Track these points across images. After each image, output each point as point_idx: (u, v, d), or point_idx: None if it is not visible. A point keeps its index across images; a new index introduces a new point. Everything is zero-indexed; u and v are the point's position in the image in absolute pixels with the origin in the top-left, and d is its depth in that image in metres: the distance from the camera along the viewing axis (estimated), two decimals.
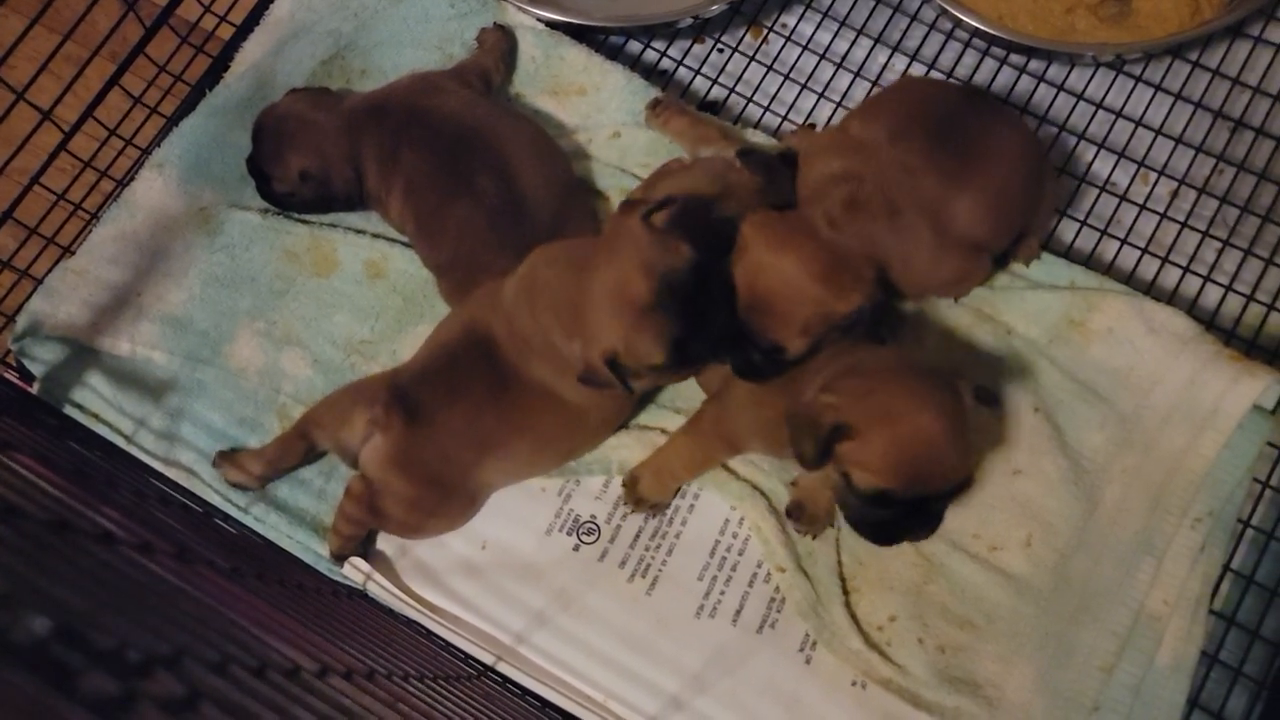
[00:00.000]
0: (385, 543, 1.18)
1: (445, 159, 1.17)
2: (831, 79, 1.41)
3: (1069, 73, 1.36)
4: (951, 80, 1.38)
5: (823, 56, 1.42)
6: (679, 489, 1.17)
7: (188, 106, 1.35)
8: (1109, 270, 1.27)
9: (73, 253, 1.30)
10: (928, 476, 0.93)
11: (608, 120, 1.33)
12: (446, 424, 1.07)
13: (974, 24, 1.31)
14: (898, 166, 1.09)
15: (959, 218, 1.09)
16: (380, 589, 1.14)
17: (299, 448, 1.16)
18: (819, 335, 1.00)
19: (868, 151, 1.11)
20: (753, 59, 1.44)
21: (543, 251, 1.09)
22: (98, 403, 1.22)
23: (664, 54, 1.44)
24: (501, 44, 1.32)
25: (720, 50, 1.44)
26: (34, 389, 1.23)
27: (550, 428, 1.12)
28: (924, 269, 1.12)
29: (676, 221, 0.97)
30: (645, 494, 1.15)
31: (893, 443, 0.92)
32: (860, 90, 1.40)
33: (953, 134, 1.10)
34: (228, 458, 1.17)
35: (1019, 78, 1.36)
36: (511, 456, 1.13)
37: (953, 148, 1.09)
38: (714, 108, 1.41)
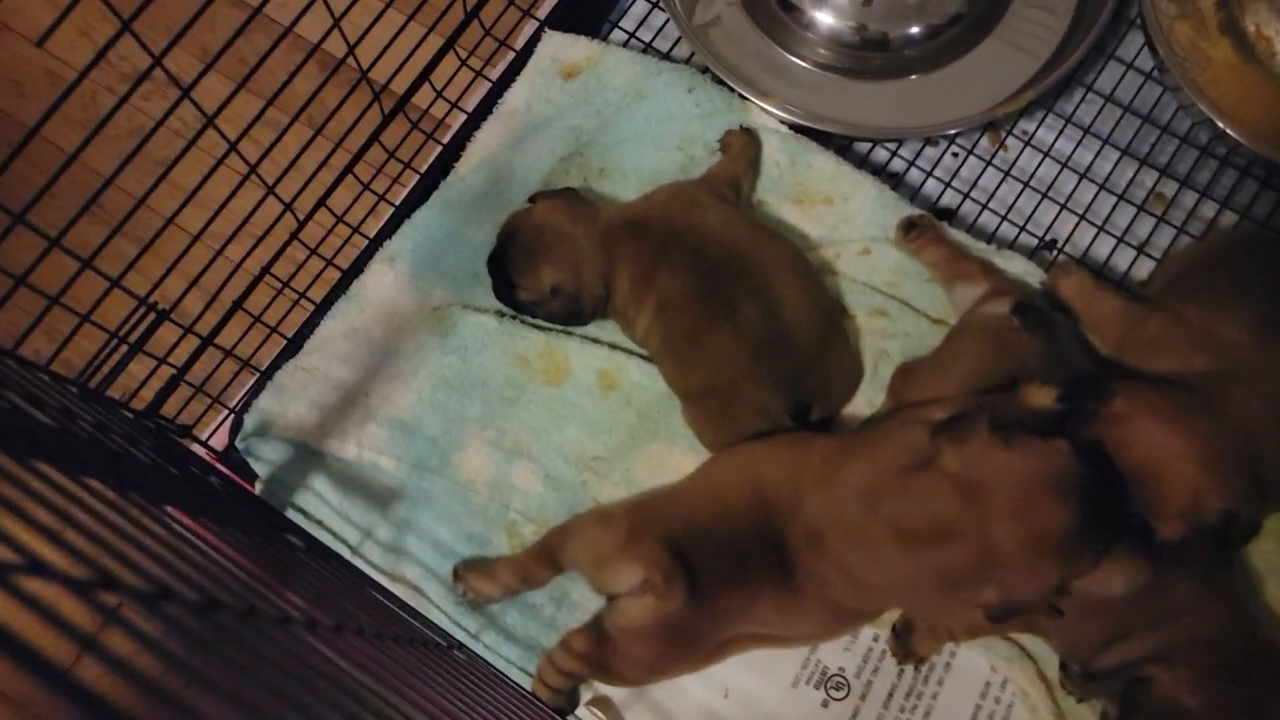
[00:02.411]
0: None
1: (705, 283, 1.11)
2: (1074, 190, 1.33)
3: None
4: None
5: (1064, 166, 1.34)
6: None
7: (417, 196, 1.30)
8: None
9: (291, 341, 1.26)
10: None
11: (856, 234, 1.26)
12: (722, 604, 1.00)
13: (1253, 149, 1.23)
14: (1270, 372, 1.00)
15: None
16: None
17: (542, 575, 1.10)
18: (1191, 531, 0.92)
19: (1228, 352, 1.02)
20: (990, 164, 1.36)
21: (856, 497, 0.96)
22: (323, 509, 1.17)
23: (895, 154, 1.37)
24: (749, 149, 1.26)
25: (955, 154, 1.37)
26: (256, 489, 1.19)
27: (819, 626, 1.05)
28: None
29: (1014, 422, 0.88)
30: (917, 647, 1.07)
31: None
32: (1104, 205, 1.31)
33: None
34: (464, 574, 1.12)
35: None
36: (770, 639, 1.07)
37: None
38: (949, 214, 1.34)
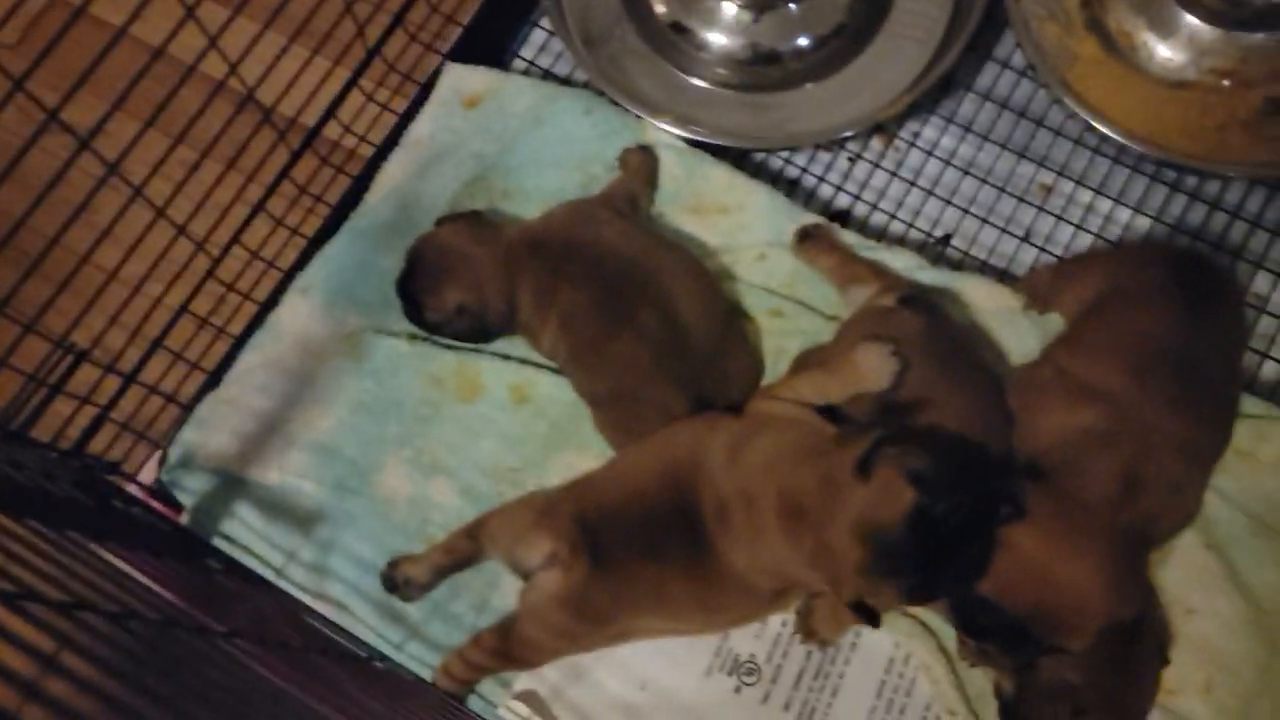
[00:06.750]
0: (538, 682, 1.15)
1: (605, 293, 1.16)
2: (959, 185, 1.40)
3: (1223, 189, 1.33)
4: (1151, 258, 1.19)
5: (949, 164, 1.40)
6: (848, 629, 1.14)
7: (329, 228, 1.35)
8: (1274, 396, 1.23)
9: (213, 375, 1.30)
10: None
11: (752, 241, 1.32)
12: (630, 579, 1.05)
13: (1122, 140, 1.29)
14: (1156, 423, 1.02)
15: (1211, 456, 1.08)
16: None
17: (465, 550, 1.15)
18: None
19: (1114, 403, 1.02)
20: (879, 165, 1.42)
21: (757, 446, 1.05)
22: (247, 535, 1.21)
23: (789, 161, 1.43)
24: (646, 165, 1.32)
25: (849, 159, 1.43)
26: (182, 519, 1.23)
27: (733, 607, 1.10)
28: (1180, 523, 1.09)
29: (881, 455, 0.93)
30: (818, 628, 1.12)
31: None
32: (990, 197, 1.37)
33: (1192, 366, 1.04)
34: (397, 563, 1.16)
35: (1170, 194, 1.34)
36: (680, 621, 1.11)
37: (1197, 382, 1.04)
38: (844, 216, 1.40)
